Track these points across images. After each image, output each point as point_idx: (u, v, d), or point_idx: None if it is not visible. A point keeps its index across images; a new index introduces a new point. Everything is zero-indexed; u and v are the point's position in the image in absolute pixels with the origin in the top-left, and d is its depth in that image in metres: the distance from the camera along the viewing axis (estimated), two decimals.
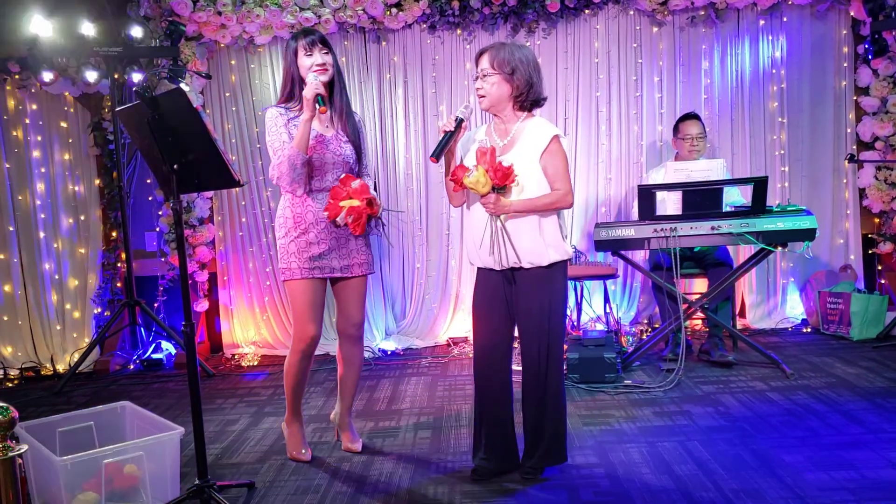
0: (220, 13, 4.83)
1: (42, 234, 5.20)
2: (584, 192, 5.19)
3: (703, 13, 5.02)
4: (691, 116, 4.59)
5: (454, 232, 5.28)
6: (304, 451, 3.17)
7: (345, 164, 3.03)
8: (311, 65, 2.92)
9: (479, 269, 2.87)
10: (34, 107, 5.13)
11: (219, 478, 2.95)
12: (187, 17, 4.82)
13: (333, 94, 3.01)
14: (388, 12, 4.91)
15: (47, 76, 4.79)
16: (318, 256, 2.99)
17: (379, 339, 5.20)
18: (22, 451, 1.83)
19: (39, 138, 5.16)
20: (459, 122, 2.73)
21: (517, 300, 2.79)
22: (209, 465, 2.75)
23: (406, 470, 3.00)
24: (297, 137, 2.87)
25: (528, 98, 2.75)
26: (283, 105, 3.01)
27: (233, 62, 5.20)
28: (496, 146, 2.77)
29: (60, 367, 5.06)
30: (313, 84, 2.87)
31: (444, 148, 2.74)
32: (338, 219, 2.94)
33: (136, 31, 4.78)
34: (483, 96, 2.75)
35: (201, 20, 4.84)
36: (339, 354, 3.21)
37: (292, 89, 3.00)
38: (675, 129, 4.62)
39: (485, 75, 2.73)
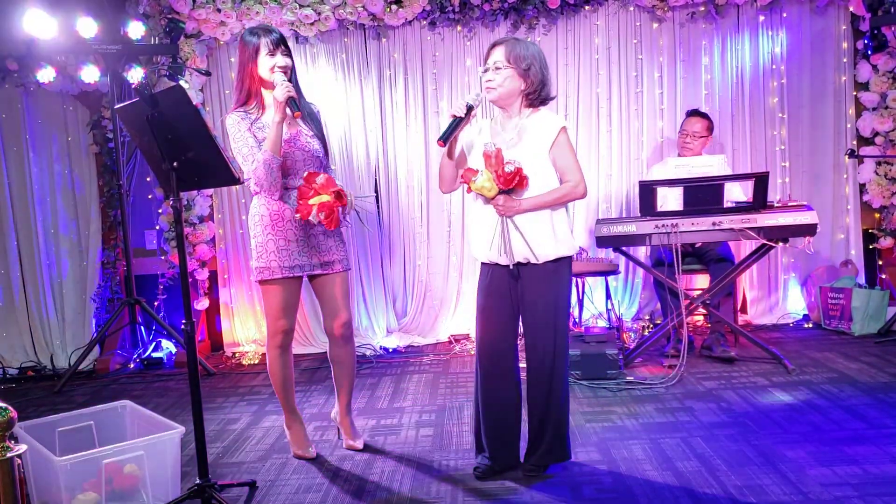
0: (219, 10, 4.81)
1: (41, 233, 5.18)
2: None
3: (703, 9, 5.01)
4: (694, 113, 4.61)
5: (455, 229, 5.27)
6: (309, 448, 3.16)
7: (314, 160, 3.00)
8: (273, 66, 2.85)
9: (483, 263, 2.85)
10: (33, 105, 5.11)
11: (220, 477, 2.94)
12: (186, 14, 4.80)
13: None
14: (388, 9, 4.89)
15: (46, 74, 4.78)
16: (298, 254, 2.96)
17: (380, 337, 5.19)
18: (21, 451, 1.82)
19: (38, 136, 5.14)
20: (469, 108, 2.70)
21: (523, 296, 2.77)
22: (210, 465, 2.74)
23: (408, 468, 2.99)
24: (270, 140, 2.81)
25: (539, 95, 2.74)
26: (241, 110, 2.93)
27: (232, 59, 5.17)
28: (502, 140, 2.75)
29: (60, 366, 5.04)
30: (284, 86, 2.78)
31: (453, 133, 2.71)
32: (311, 217, 2.85)
33: (136, 29, 4.76)
34: (493, 88, 2.71)
35: (201, 17, 4.83)
36: (330, 357, 3.16)
37: (250, 89, 2.91)
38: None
39: (497, 68, 2.70)
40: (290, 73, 2.91)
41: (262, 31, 2.90)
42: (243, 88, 2.93)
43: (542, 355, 2.76)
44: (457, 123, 2.70)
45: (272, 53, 2.87)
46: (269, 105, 2.95)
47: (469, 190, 2.73)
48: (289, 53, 2.92)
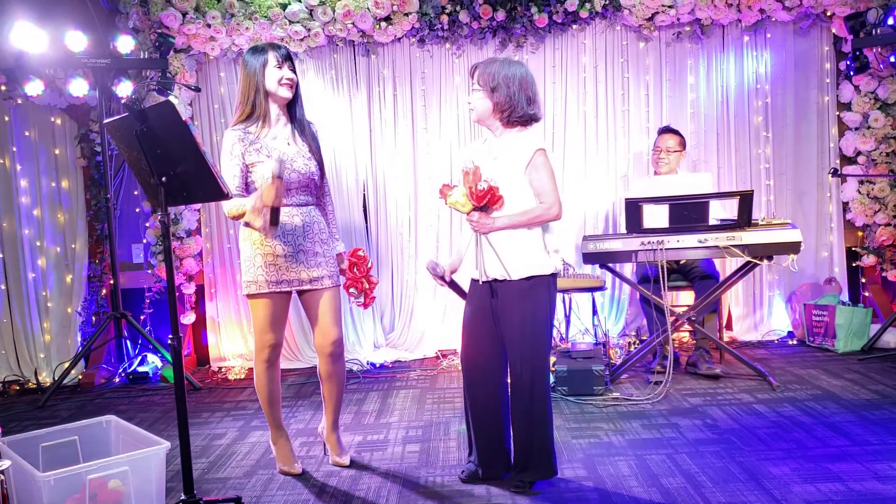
0: (209, 26, 4.83)
1: (27, 246, 5.15)
2: (572, 205, 5.21)
3: (688, 29, 5.08)
4: (665, 130, 4.68)
5: (443, 244, 5.28)
6: (295, 464, 3.14)
7: (310, 181, 3.02)
8: (281, 77, 2.90)
9: (471, 279, 2.90)
10: (21, 118, 5.10)
11: (205, 493, 2.92)
12: (176, 29, 4.81)
13: (295, 110, 3.00)
14: (378, 26, 4.92)
15: (34, 88, 4.77)
16: (286, 269, 2.96)
17: (367, 352, 5.17)
18: (4, 467, 1.81)
19: (26, 149, 5.12)
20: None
21: (500, 312, 2.80)
22: (195, 480, 2.75)
23: (394, 484, 2.98)
24: (235, 211, 2.84)
25: (512, 115, 2.76)
26: (242, 126, 2.93)
27: (222, 74, 5.19)
28: (487, 159, 2.81)
29: (44, 380, 5.00)
30: (270, 193, 2.68)
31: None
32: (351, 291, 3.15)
33: (125, 43, 4.76)
34: (471, 110, 2.83)
35: (190, 32, 4.84)
36: (319, 373, 3.15)
37: (255, 102, 2.92)
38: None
39: (474, 90, 2.79)
40: (295, 88, 2.97)
41: (269, 45, 2.95)
42: (248, 101, 2.93)
43: (521, 371, 2.78)
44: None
45: (280, 66, 2.90)
46: (273, 120, 2.97)
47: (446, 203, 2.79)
48: (294, 70, 2.96)
